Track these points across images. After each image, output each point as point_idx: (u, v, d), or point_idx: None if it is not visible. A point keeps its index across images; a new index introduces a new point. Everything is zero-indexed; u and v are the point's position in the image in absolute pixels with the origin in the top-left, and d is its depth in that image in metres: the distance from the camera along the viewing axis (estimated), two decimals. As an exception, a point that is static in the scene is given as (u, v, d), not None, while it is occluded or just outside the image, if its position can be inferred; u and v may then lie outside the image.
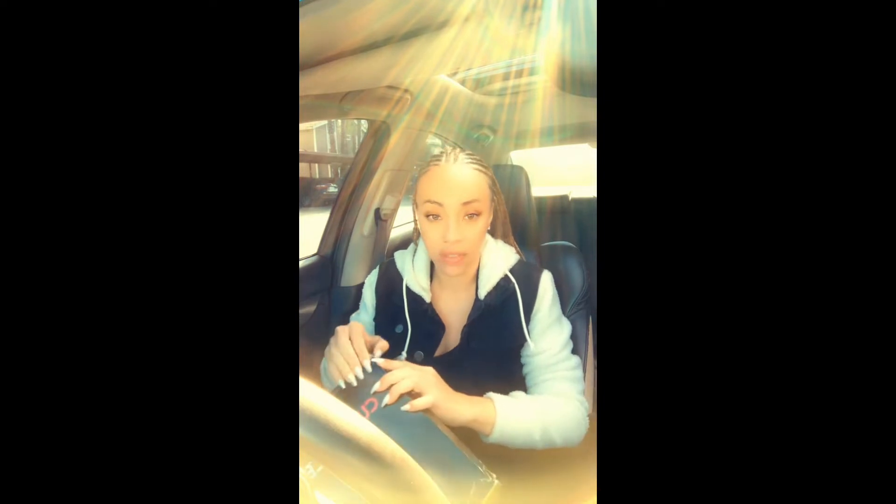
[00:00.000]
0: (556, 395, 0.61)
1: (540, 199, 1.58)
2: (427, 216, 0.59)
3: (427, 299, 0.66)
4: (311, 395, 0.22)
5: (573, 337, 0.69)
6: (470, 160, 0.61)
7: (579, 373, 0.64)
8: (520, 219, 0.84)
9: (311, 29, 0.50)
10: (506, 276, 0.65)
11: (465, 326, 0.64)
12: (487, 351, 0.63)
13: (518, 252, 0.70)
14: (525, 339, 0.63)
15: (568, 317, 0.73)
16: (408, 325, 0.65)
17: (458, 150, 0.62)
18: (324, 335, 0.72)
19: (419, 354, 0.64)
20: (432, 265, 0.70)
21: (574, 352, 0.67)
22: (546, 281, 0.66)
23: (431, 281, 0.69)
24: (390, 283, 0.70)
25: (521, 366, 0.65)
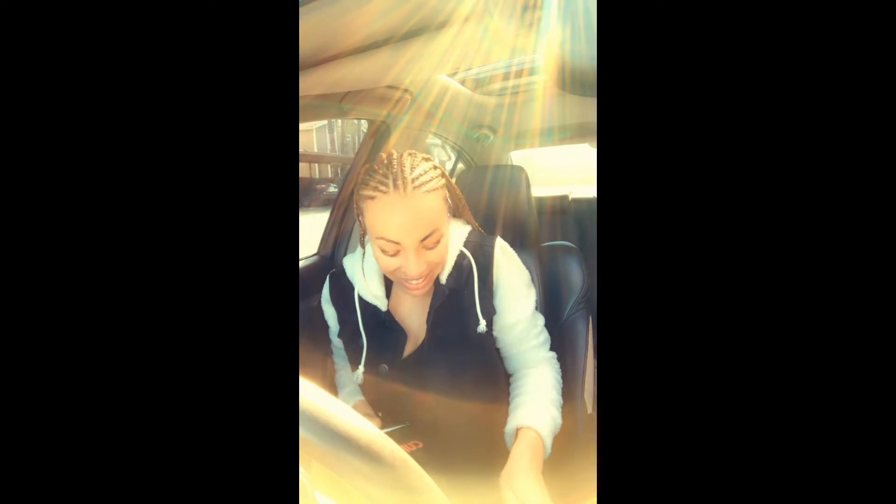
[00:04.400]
0: (534, 366, 0.61)
1: (540, 199, 1.58)
2: (382, 251, 0.54)
3: (383, 308, 0.61)
4: (311, 395, 0.22)
5: (573, 336, 0.69)
6: (422, 181, 0.51)
7: (545, 334, 0.64)
8: (520, 219, 0.84)
9: (311, 29, 0.49)
10: (461, 252, 0.60)
11: (428, 315, 0.59)
12: (456, 337, 0.58)
13: (469, 222, 0.64)
14: (478, 320, 0.58)
15: (568, 317, 0.73)
16: (363, 338, 0.61)
17: (407, 165, 0.52)
18: (324, 335, 0.71)
19: (384, 368, 0.60)
20: None
21: (574, 351, 0.67)
22: (497, 248, 0.61)
23: (390, 284, 0.64)
24: (343, 295, 0.65)
25: (491, 348, 0.61)
